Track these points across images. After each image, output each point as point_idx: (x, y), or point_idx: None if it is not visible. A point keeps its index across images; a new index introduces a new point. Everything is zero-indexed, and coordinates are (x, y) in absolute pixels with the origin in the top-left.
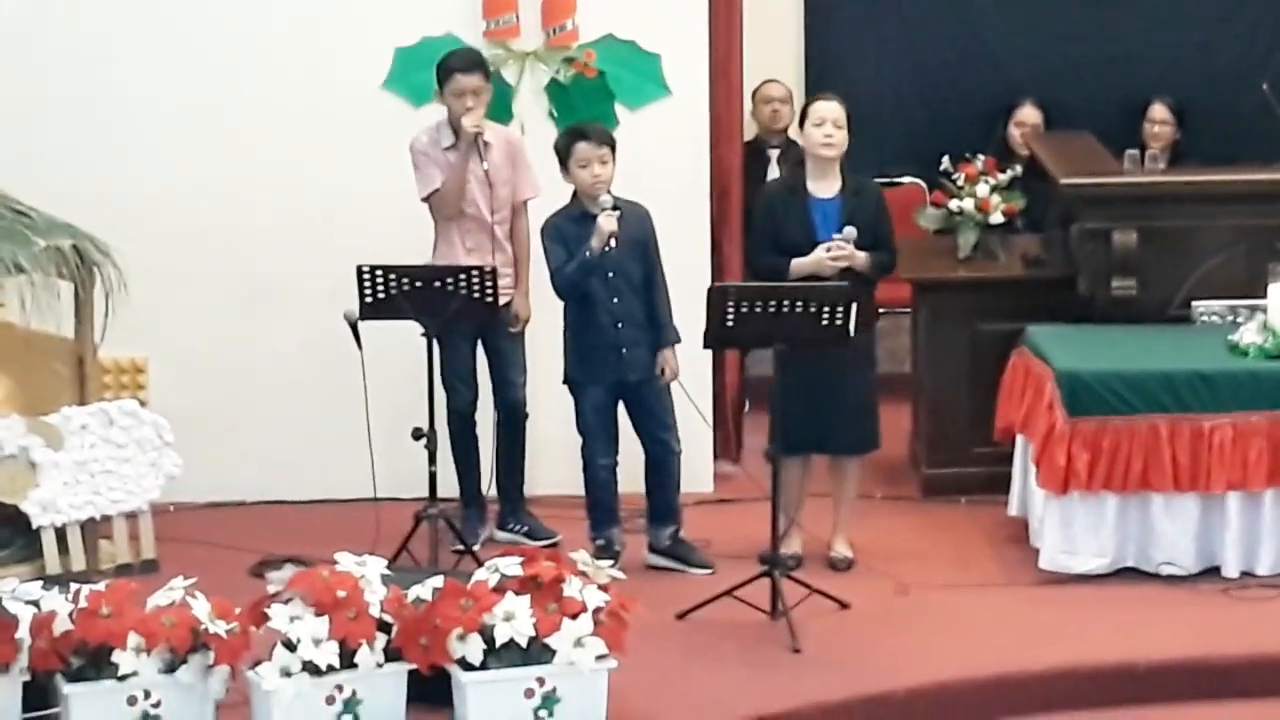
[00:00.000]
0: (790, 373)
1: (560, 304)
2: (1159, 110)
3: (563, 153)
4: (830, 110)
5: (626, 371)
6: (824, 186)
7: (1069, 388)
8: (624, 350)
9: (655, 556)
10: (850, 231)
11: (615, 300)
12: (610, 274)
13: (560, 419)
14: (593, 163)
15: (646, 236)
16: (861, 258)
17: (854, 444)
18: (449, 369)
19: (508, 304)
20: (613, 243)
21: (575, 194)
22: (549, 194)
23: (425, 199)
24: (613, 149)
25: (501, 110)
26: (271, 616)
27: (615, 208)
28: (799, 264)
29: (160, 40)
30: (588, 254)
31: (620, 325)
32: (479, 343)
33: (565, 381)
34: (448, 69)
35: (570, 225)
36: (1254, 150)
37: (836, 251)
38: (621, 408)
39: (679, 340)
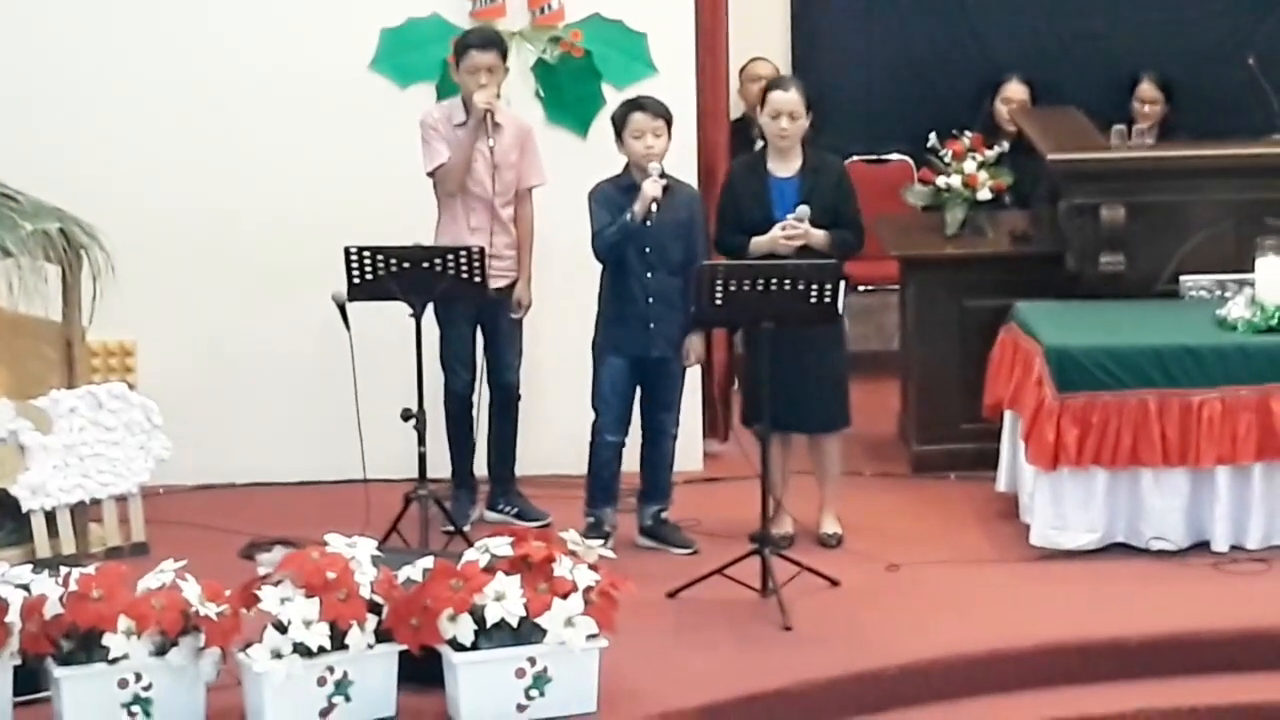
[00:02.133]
0: (759, 351)
1: (565, 282)
2: (1147, 89)
3: (618, 123)
4: (786, 102)
5: (650, 347)
6: (783, 166)
7: (1058, 363)
8: (651, 325)
9: (641, 537)
10: (803, 210)
11: (649, 275)
12: (647, 249)
13: (556, 398)
14: (646, 134)
15: (692, 218)
16: (818, 236)
17: (822, 422)
18: (449, 351)
19: (510, 286)
20: (654, 209)
21: (627, 165)
22: (556, 178)
23: (430, 173)
24: (669, 123)
25: None
26: (262, 598)
27: (664, 177)
28: (757, 242)
29: (146, 24)
30: (628, 218)
31: (651, 300)
32: (479, 326)
33: (592, 347)
34: (464, 45)
35: (618, 193)
36: (1241, 124)
37: (790, 231)
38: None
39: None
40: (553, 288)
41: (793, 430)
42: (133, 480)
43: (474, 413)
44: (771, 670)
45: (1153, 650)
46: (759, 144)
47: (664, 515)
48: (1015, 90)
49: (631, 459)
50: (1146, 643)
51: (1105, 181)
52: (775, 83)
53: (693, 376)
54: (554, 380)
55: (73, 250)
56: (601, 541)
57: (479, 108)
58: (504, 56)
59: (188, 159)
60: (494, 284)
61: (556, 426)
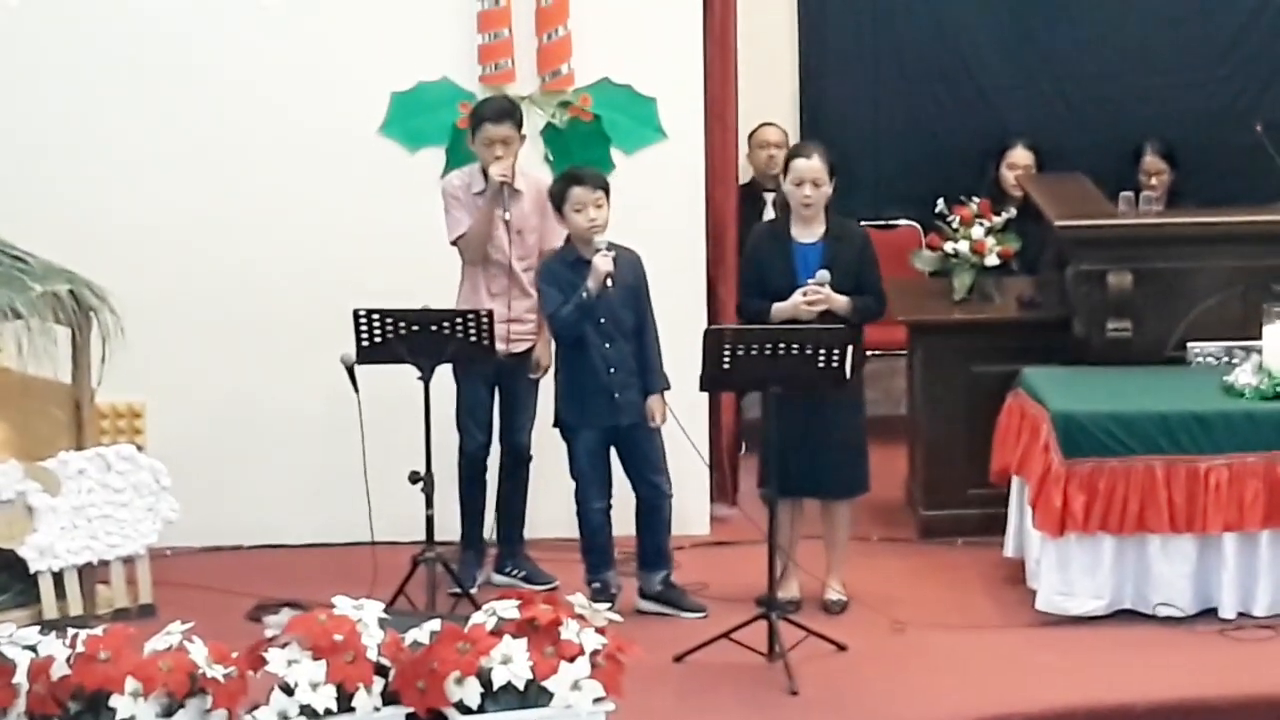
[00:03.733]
0: (778, 416)
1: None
2: (1151, 161)
3: (557, 198)
4: (809, 170)
5: (619, 416)
6: (807, 232)
7: (1065, 429)
8: (616, 395)
9: (646, 603)
10: (823, 275)
11: (608, 345)
12: (602, 319)
13: (558, 461)
14: (588, 207)
15: (639, 282)
16: (840, 301)
17: (843, 488)
18: (465, 412)
19: (529, 350)
20: (609, 283)
21: (569, 238)
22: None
23: (453, 242)
24: (607, 192)
25: None
26: (269, 660)
27: (610, 248)
28: (779, 309)
29: (158, 85)
30: (584, 295)
31: (613, 370)
32: (496, 388)
33: (556, 425)
34: (478, 117)
35: (564, 269)
36: (1249, 191)
37: (812, 296)
38: (613, 452)
39: (668, 387)
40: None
41: (810, 495)
42: (140, 542)
43: (486, 476)
44: None
45: (1160, 717)
46: (769, 209)
47: (671, 579)
48: (1021, 156)
49: (629, 524)
50: (1154, 709)
51: (1112, 248)
52: (797, 150)
53: (700, 441)
54: (562, 444)
55: (82, 312)
56: (608, 605)
57: (494, 180)
58: (519, 126)
59: (197, 221)
60: (514, 348)
61: (565, 490)
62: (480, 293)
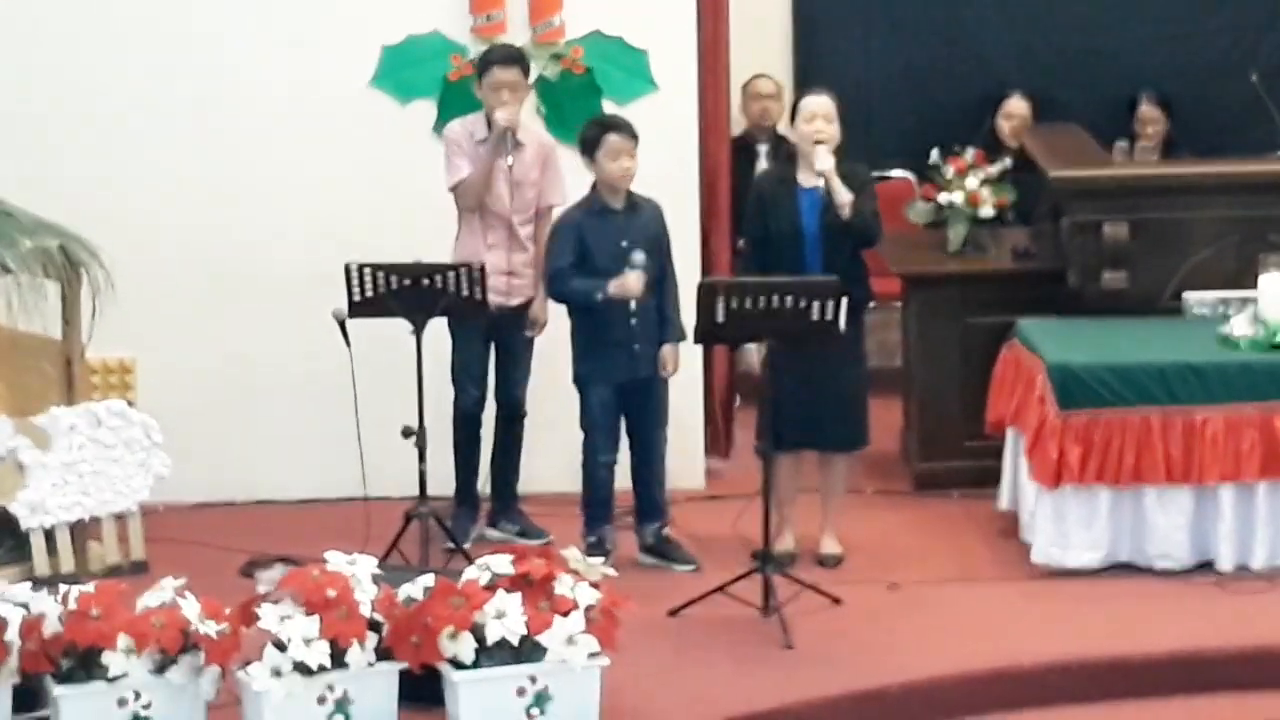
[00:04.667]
0: (779, 369)
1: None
2: (1147, 110)
3: (591, 143)
4: (820, 106)
5: (638, 368)
6: (812, 176)
7: (1060, 380)
8: (636, 346)
9: (644, 555)
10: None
11: (633, 299)
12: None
13: (553, 416)
14: (622, 155)
15: (660, 233)
16: (844, 192)
17: (843, 441)
18: (460, 367)
19: (527, 304)
20: (633, 305)
21: (594, 186)
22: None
23: (451, 189)
24: (637, 143)
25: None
26: (262, 616)
27: (629, 198)
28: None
29: (147, 40)
30: (600, 296)
31: (634, 322)
32: (492, 343)
33: (575, 379)
34: (486, 62)
35: (590, 219)
36: (1244, 141)
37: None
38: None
39: (683, 337)
40: (559, 306)
41: (810, 447)
42: (132, 498)
43: (481, 431)
44: (773, 689)
45: (1156, 669)
46: (761, 161)
47: (666, 532)
48: (1017, 106)
49: (626, 478)
50: (1150, 662)
51: (1108, 198)
52: (806, 90)
53: (694, 393)
54: (557, 399)
55: (72, 267)
56: (603, 560)
57: (499, 125)
58: (526, 73)
59: (188, 176)
60: (510, 301)
61: (559, 445)
62: (478, 241)
